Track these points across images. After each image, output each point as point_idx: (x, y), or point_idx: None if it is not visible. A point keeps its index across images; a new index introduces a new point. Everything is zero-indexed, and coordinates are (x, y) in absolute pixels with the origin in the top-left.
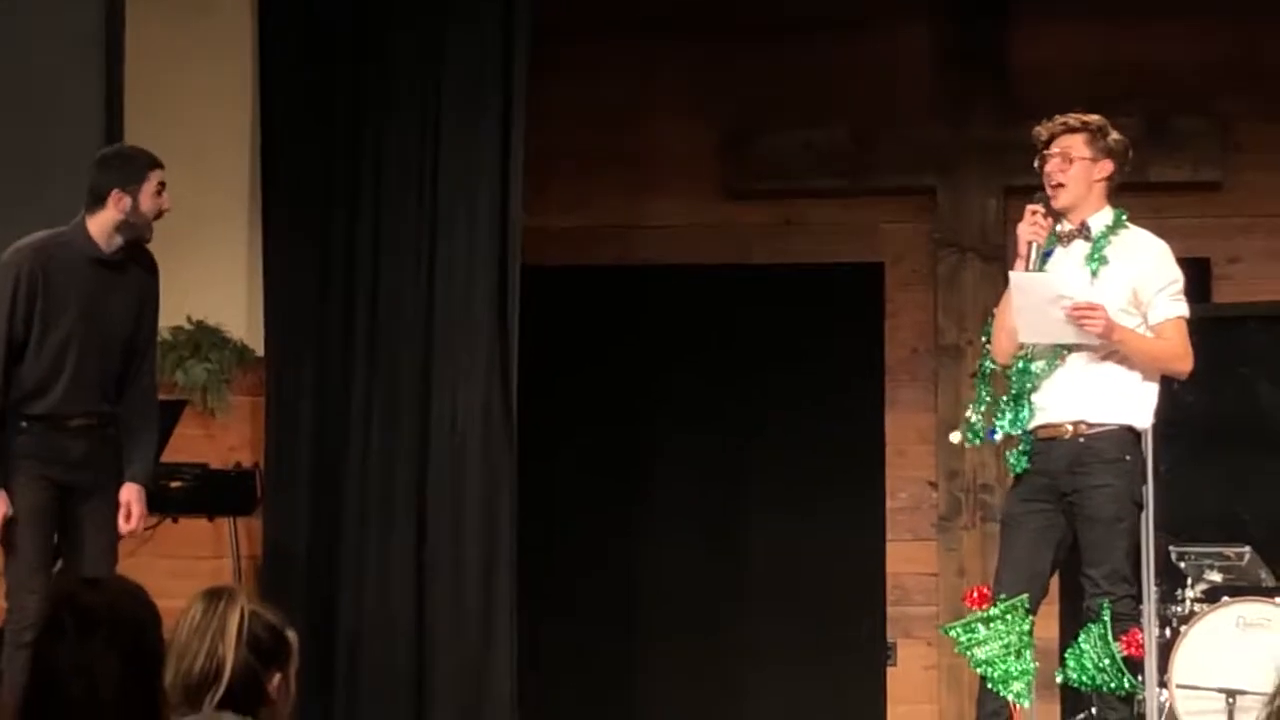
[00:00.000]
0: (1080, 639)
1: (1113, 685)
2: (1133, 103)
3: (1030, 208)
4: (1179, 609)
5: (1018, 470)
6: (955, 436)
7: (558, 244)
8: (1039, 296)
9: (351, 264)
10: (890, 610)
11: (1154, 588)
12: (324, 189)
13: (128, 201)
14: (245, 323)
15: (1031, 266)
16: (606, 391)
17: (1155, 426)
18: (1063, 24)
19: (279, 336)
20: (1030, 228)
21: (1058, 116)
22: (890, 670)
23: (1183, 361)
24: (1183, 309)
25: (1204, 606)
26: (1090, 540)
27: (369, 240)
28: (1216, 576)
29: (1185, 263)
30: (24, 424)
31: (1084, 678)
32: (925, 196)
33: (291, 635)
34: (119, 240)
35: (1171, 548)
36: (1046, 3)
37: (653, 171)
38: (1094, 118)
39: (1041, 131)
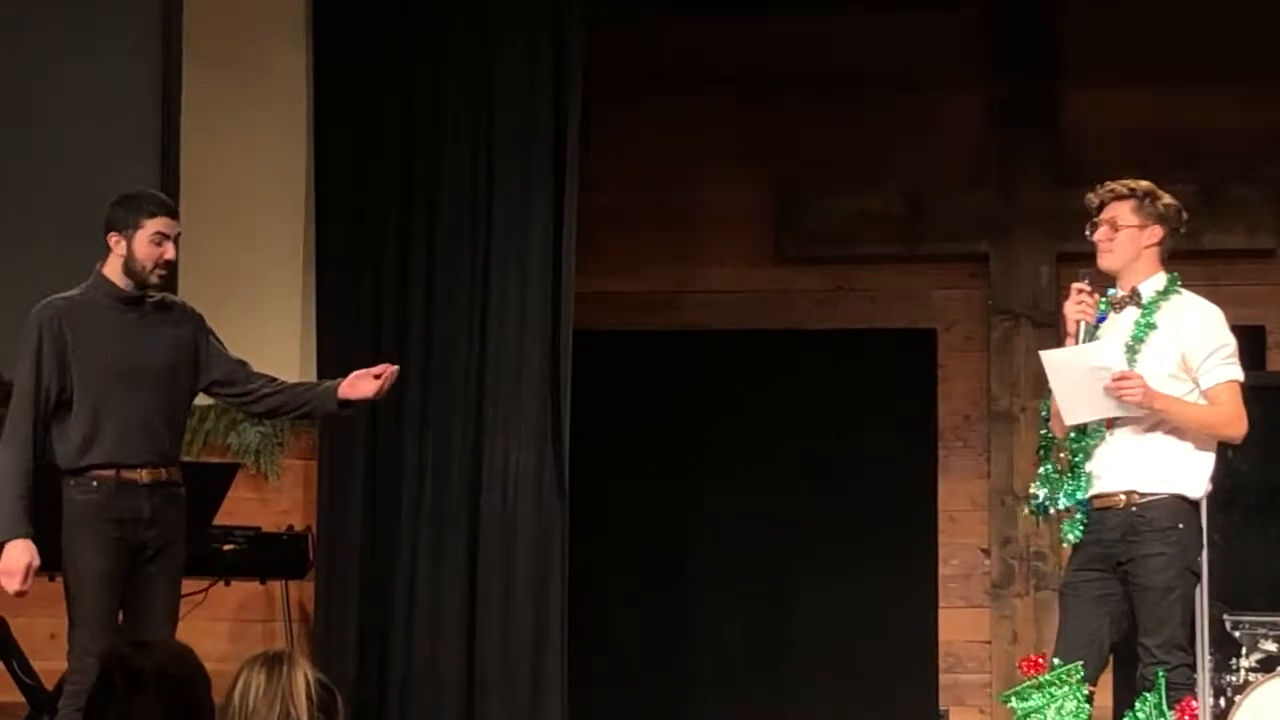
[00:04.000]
0: (1135, 708)
1: None
2: (1186, 170)
3: (1075, 286)
4: (1233, 678)
5: (1070, 540)
6: (1025, 511)
7: (609, 308)
8: (1074, 372)
9: (404, 326)
10: (943, 678)
11: (1209, 656)
12: (376, 251)
13: (123, 245)
14: None
15: (1082, 344)
16: (657, 456)
17: (1210, 495)
18: (1116, 89)
19: None
20: (1076, 306)
21: (1108, 183)
22: None
23: (1235, 426)
24: (1235, 373)
25: (1258, 675)
26: (1144, 609)
27: (421, 303)
28: (1271, 646)
29: (1239, 330)
30: (94, 483)
31: None
32: (978, 263)
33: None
34: (130, 283)
35: (1226, 616)
36: (1099, 68)
37: (704, 234)
38: (1142, 184)
39: (1093, 199)
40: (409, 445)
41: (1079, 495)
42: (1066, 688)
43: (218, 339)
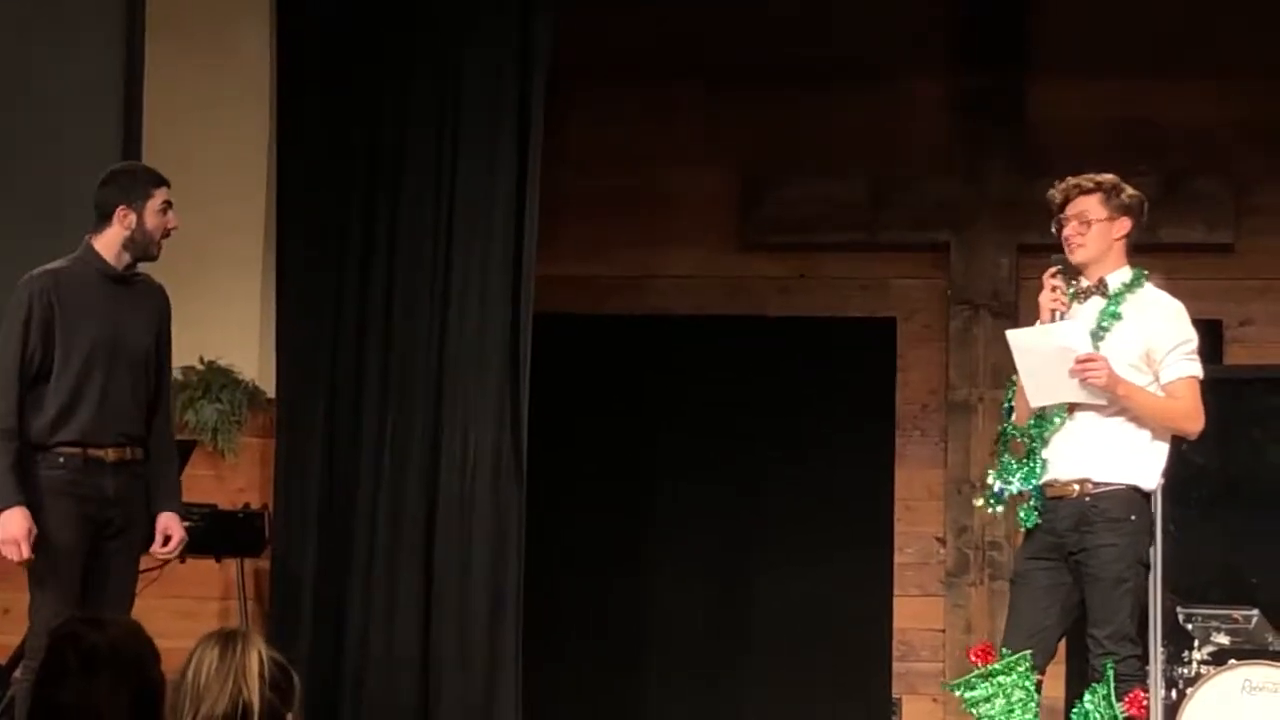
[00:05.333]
0: (1084, 699)
1: None
2: (1148, 161)
3: (1048, 277)
4: (1185, 670)
5: (1027, 525)
6: (978, 502)
7: (571, 291)
8: (1040, 354)
9: (364, 307)
10: (896, 666)
11: (1161, 649)
12: (338, 232)
13: (133, 218)
14: (257, 364)
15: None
16: (616, 439)
17: (1164, 487)
18: (1080, 81)
19: (290, 378)
20: (1050, 296)
21: (1070, 178)
22: None
23: (1192, 421)
24: (1195, 369)
25: (1210, 669)
26: (1095, 600)
27: (382, 283)
28: (1224, 639)
29: (1197, 324)
30: (61, 459)
31: None
32: (939, 252)
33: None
34: (128, 258)
35: (1179, 609)
36: (1064, 58)
37: (667, 220)
38: (1107, 177)
39: (1055, 194)
40: (367, 425)
41: (1034, 480)
42: (1014, 676)
43: (169, 343)
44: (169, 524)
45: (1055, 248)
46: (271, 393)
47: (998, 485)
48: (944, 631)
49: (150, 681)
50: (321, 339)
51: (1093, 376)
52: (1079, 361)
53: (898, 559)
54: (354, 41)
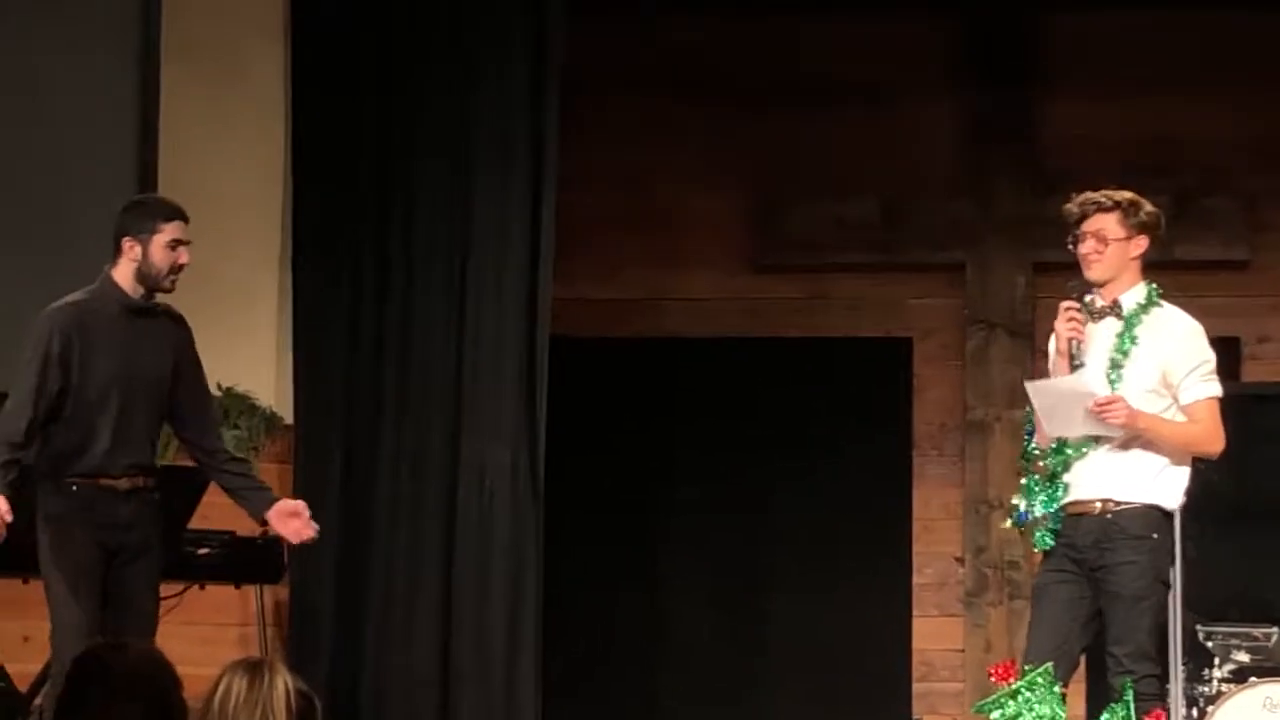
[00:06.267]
0: (1103, 718)
1: None
2: (1161, 180)
3: (1065, 305)
4: (1206, 689)
5: (1041, 547)
6: (1006, 524)
7: (586, 314)
8: (1057, 400)
9: (380, 331)
10: (916, 686)
11: (1181, 667)
12: (353, 255)
13: (138, 250)
14: (274, 390)
15: (1074, 363)
16: (631, 462)
17: (1184, 505)
18: (1091, 99)
19: (308, 404)
20: (1068, 325)
21: (1088, 194)
22: None
23: (1213, 443)
24: (1214, 389)
25: (1231, 686)
26: (1114, 617)
27: (398, 307)
28: (1244, 657)
29: (1214, 342)
30: (74, 486)
31: None
32: (955, 272)
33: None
34: (142, 289)
35: (1199, 627)
36: (1075, 78)
37: (680, 242)
38: (1125, 194)
39: (1073, 209)
40: (385, 447)
41: (1054, 504)
42: (1039, 690)
43: (200, 368)
44: (293, 507)
45: (1070, 266)
46: (289, 418)
47: (1022, 506)
48: (964, 651)
49: (170, 707)
50: (338, 363)
51: (1112, 419)
52: (1098, 405)
53: (916, 579)
54: (367, 65)
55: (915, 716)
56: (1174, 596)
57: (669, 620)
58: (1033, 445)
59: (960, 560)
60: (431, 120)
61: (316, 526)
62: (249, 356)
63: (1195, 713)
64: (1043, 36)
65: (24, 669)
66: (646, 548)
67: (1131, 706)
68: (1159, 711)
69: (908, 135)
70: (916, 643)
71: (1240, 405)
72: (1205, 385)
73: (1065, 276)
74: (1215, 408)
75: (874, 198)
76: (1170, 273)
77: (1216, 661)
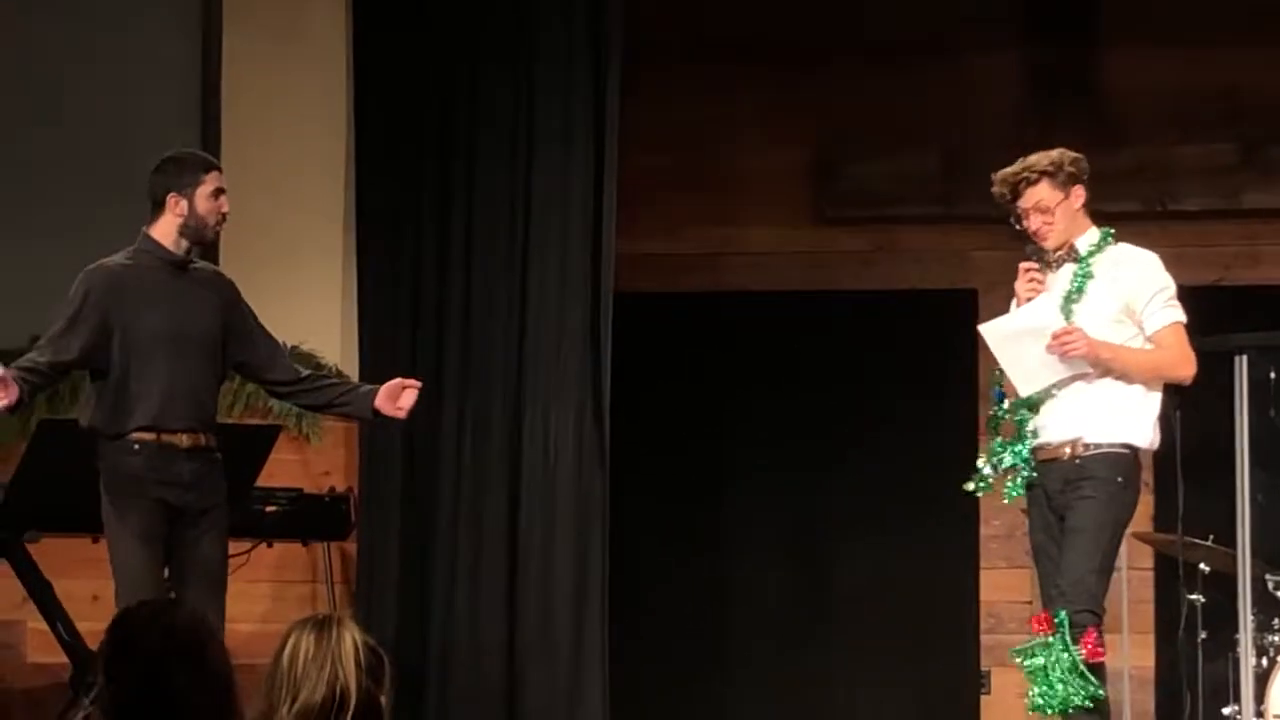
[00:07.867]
0: (1037, 654)
1: (1082, 696)
2: (1225, 129)
3: (1024, 265)
4: (1276, 638)
5: (1010, 499)
6: (970, 486)
7: (649, 271)
8: (1015, 341)
9: (444, 289)
10: (984, 639)
11: (1250, 616)
12: (416, 214)
13: (184, 204)
14: (340, 348)
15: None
16: (697, 417)
17: (1252, 451)
18: (1152, 49)
19: (372, 361)
20: (1028, 285)
21: (1006, 171)
22: (984, 698)
23: (1184, 367)
24: (1177, 314)
25: None
26: (1066, 547)
27: (461, 265)
28: None
29: None
30: (135, 445)
31: (1052, 699)
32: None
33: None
34: (185, 244)
35: (1269, 576)
36: (1135, 28)
37: (742, 197)
38: (1042, 159)
39: (1003, 192)
40: (449, 407)
41: (1024, 453)
42: (1059, 640)
43: (253, 314)
44: (390, 393)
45: (1145, 216)
46: (354, 376)
47: (986, 469)
48: (1030, 603)
49: (212, 664)
50: (402, 323)
51: (1072, 350)
52: (1055, 338)
53: (983, 531)
54: (427, 26)
55: (984, 668)
56: (1241, 545)
57: (734, 576)
58: (999, 408)
59: (1026, 512)
60: (492, 81)
61: (418, 382)
62: (314, 315)
63: (1265, 662)
64: None
65: (93, 627)
66: (709, 504)
67: (1067, 636)
68: (1091, 631)
69: (969, 88)
70: (984, 595)
71: None
72: (1169, 311)
73: (1126, 226)
74: (1182, 332)
75: (936, 149)
76: (1236, 220)
77: None
